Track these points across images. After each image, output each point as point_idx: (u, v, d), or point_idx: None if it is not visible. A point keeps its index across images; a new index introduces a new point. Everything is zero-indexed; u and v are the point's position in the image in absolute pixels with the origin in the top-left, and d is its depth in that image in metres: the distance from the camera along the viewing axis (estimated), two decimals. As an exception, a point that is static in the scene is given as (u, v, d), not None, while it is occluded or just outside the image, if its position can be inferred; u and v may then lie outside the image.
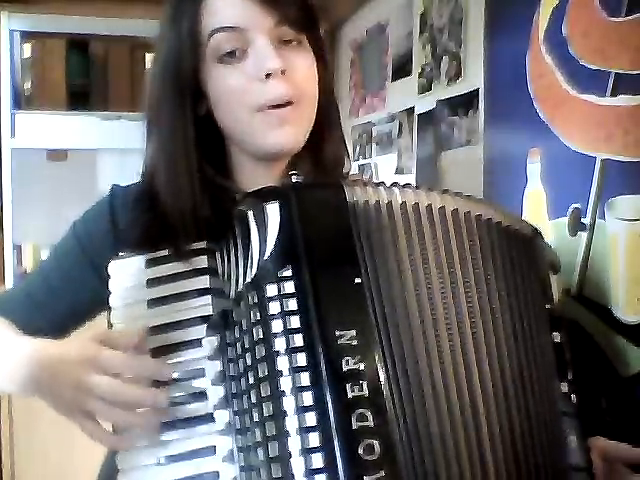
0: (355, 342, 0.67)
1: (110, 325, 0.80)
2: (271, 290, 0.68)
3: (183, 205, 0.86)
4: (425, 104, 1.81)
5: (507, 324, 0.76)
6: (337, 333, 0.67)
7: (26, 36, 2.82)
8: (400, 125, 2.00)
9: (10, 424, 2.54)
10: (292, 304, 0.68)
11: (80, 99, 3.02)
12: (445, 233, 0.75)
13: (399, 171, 2.00)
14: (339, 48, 2.61)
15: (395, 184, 0.76)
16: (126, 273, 0.82)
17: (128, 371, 0.72)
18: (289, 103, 0.84)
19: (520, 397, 0.74)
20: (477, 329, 0.74)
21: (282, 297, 0.68)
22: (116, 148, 2.75)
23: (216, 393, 0.75)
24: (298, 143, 0.88)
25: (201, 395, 0.75)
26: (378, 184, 0.76)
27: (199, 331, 0.77)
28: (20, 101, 2.74)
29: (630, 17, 1.02)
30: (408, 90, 1.92)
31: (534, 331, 0.78)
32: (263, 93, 0.84)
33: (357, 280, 0.69)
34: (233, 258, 0.77)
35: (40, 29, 2.84)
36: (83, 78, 3.06)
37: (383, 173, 2.14)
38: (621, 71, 1.03)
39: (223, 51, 0.84)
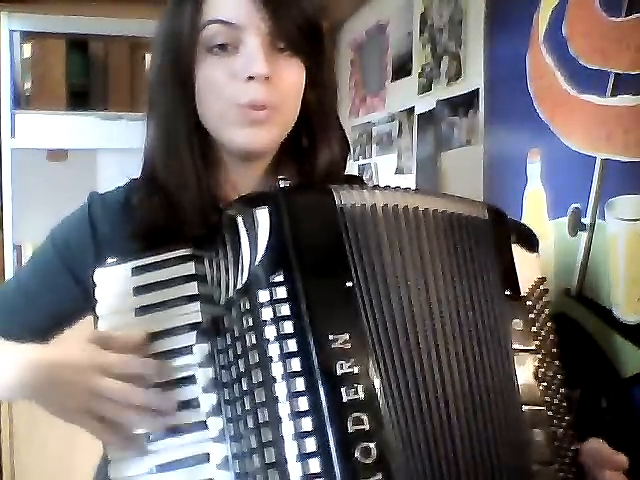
0: (349, 345, 0.67)
1: None
2: (263, 296, 0.68)
3: (189, 192, 0.86)
4: (425, 104, 1.81)
5: (457, 317, 0.75)
6: (330, 337, 0.67)
7: (26, 36, 2.82)
8: (400, 125, 2.00)
9: (10, 424, 2.55)
10: (285, 309, 0.68)
11: (80, 99, 3.02)
12: (419, 233, 0.76)
13: (399, 171, 2.00)
14: (339, 48, 2.61)
15: (376, 187, 0.77)
16: (112, 281, 0.81)
17: (135, 373, 0.72)
18: (265, 107, 0.84)
19: (484, 391, 0.74)
20: (454, 325, 0.74)
21: (274, 302, 0.68)
22: (116, 148, 2.75)
23: (208, 400, 0.74)
24: (267, 146, 0.88)
25: (193, 402, 0.74)
26: (362, 187, 0.76)
27: (189, 338, 0.76)
28: (20, 101, 2.74)
29: (630, 17, 1.02)
30: (408, 90, 1.92)
31: (488, 321, 0.77)
32: (242, 93, 0.84)
33: (348, 284, 0.70)
34: (222, 264, 0.76)
35: (40, 29, 2.84)
36: (83, 78, 3.06)
37: (383, 173, 2.14)
38: (621, 71, 1.03)
39: (215, 43, 0.84)
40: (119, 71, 3.08)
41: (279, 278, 0.68)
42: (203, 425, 0.74)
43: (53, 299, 0.93)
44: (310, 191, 0.79)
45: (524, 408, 0.76)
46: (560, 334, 0.85)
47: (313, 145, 0.92)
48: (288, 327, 0.67)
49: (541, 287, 0.84)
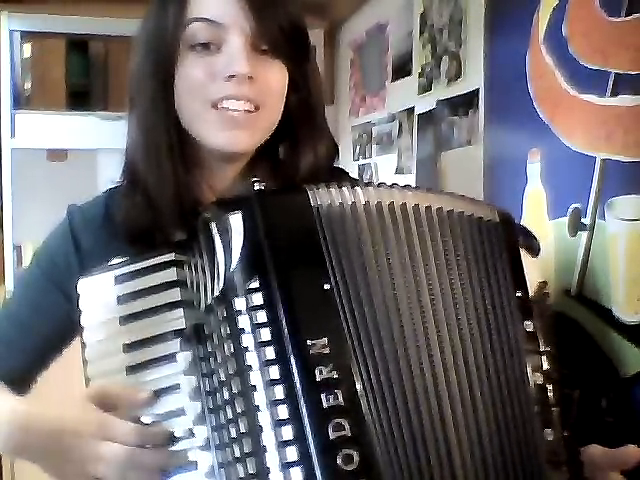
0: (327, 350, 0.65)
1: (84, 345, 0.79)
2: (239, 303, 0.67)
3: (166, 190, 0.85)
4: (425, 104, 1.81)
5: (472, 316, 0.74)
6: (309, 342, 0.65)
7: (26, 36, 2.81)
8: (400, 125, 2.00)
9: (10, 424, 2.54)
10: (261, 316, 0.66)
11: (80, 99, 3.02)
12: (407, 230, 0.73)
13: (399, 171, 2.00)
14: (339, 48, 2.61)
15: (358, 183, 0.75)
16: (96, 290, 0.80)
17: (137, 438, 0.71)
18: (246, 111, 0.84)
19: (494, 391, 0.73)
20: (441, 325, 0.72)
21: (251, 310, 0.66)
22: (116, 148, 2.73)
23: (194, 408, 0.74)
24: (247, 148, 0.87)
25: (180, 411, 0.74)
26: (341, 185, 0.74)
27: (173, 345, 0.76)
28: (20, 101, 2.74)
29: (630, 17, 1.02)
30: (408, 90, 1.92)
31: (503, 320, 0.76)
32: (222, 90, 0.83)
33: (326, 286, 0.68)
34: (200, 269, 0.75)
35: (40, 29, 2.83)
36: (83, 78, 3.05)
37: (383, 173, 2.14)
38: (621, 71, 1.03)
39: (197, 41, 0.84)
40: (119, 71, 3.08)
41: (254, 284, 0.67)
42: (190, 433, 0.73)
43: (46, 321, 0.92)
44: (285, 193, 0.77)
45: (536, 408, 0.75)
46: (560, 334, 0.85)
47: (296, 149, 0.91)
48: (265, 334, 0.66)
49: (543, 290, 0.84)
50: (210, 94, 0.83)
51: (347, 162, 2.42)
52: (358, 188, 0.74)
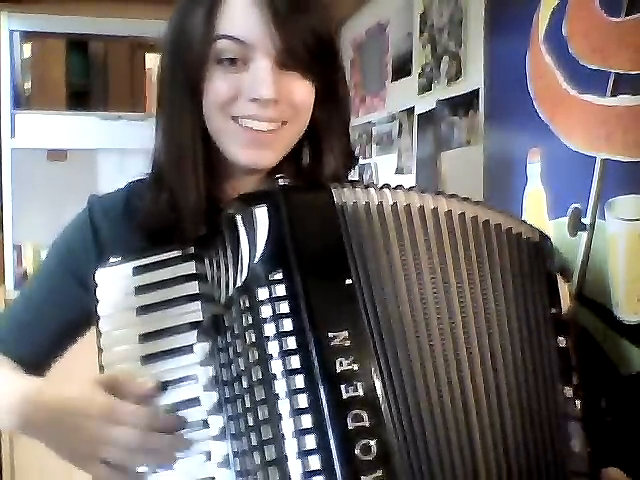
0: (348, 343, 0.67)
1: (99, 333, 0.80)
2: (262, 294, 0.68)
3: (189, 197, 0.85)
4: (425, 104, 1.81)
5: (503, 325, 0.76)
6: (330, 334, 0.67)
7: (26, 36, 2.82)
8: (400, 125, 2.00)
9: (10, 424, 2.54)
10: (284, 307, 0.67)
11: (80, 99, 3.02)
12: (438, 234, 0.75)
13: (399, 171, 2.00)
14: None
15: (386, 185, 0.76)
16: (114, 281, 0.81)
17: (147, 424, 0.72)
18: (271, 131, 0.84)
19: (524, 400, 0.74)
20: (471, 328, 0.74)
21: (274, 300, 0.68)
22: (116, 148, 2.75)
23: (209, 399, 0.74)
24: (272, 164, 0.87)
25: (194, 401, 0.75)
26: (368, 186, 0.76)
27: (190, 337, 0.76)
28: (20, 101, 2.74)
29: (630, 17, 1.02)
30: (408, 90, 1.92)
31: (538, 334, 0.78)
32: (245, 109, 0.83)
33: (348, 281, 0.69)
34: (222, 263, 0.76)
35: (40, 29, 2.84)
36: (83, 78, 3.06)
37: (383, 173, 2.14)
38: (621, 71, 1.03)
39: (225, 56, 0.83)
40: (119, 71, 3.08)
41: (278, 276, 0.68)
42: (204, 423, 0.74)
43: (62, 308, 0.92)
44: (309, 189, 0.78)
45: (564, 420, 0.77)
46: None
47: (319, 157, 0.91)
48: (287, 325, 0.67)
49: (575, 310, 0.85)
50: (233, 111, 0.84)
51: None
52: (386, 189, 0.75)
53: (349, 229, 0.72)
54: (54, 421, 0.76)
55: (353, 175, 1.00)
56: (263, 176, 0.92)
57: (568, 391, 0.78)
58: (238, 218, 0.72)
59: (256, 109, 0.83)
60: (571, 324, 0.82)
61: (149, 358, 0.77)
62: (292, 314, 0.67)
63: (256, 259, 0.70)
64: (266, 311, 0.68)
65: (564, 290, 0.83)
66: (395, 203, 0.74)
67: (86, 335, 0.93)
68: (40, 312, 0.93)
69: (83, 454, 0.74)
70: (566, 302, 0.83)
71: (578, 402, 0.78)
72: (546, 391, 0.77)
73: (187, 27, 0.85)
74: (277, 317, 0.67)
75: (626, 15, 1.03)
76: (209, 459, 0.73)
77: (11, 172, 2.66)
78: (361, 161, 2.32)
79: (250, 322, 0.69)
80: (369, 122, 2.26)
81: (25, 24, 2.74)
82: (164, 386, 0.76)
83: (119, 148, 2.71)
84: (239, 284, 0.71)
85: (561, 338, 0.79)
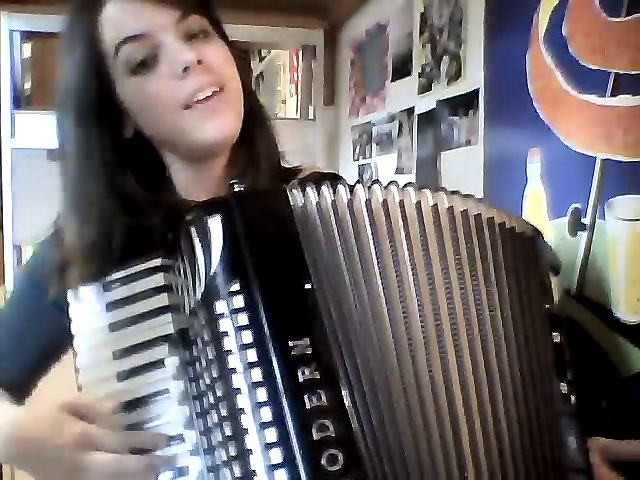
0: (310, 350, 0.65)
1: (75, 353, 0.79)
2: (220, 307, 0.66)
3: (91, 234, 0.83)
4: (425, 104, 1.81)
5: (507, 321, 0.75)
6: (290, 343, 0.64)
7: (26, 36, 2.81)
8: (400, 125, 2.00)
9: (10, 424, 2.54)
10: (242, 319, 0.66)
11: (80, 99, 3.01)
12: (407, 229, 0.72)
13: (399, 171, 2.00)
14: (339, 48, 2.61)
15: (335, 183, 0.73)
16: (85, 299, 0.81)
17: (119, 446, 0.72)
18: (214, 93, 0.83)
19: (520, 397, 0.73)
20: (459, 328, 0.72)
21: (232, 313, 0.66)
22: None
23: (182, 413, 0.74)
24: (233, 131, 0.86)
25: (169, 416, 0.75)
26: (318, 185, 0.73)
27: (162, 351, 0.76)
28: (20, 101, 2.73)
29: (630, 17, 1.02)
30: (408, 90, 1.91)
31: (533, 330, 0.77)
32: (185, 89, 0.82)
33: (307, 286, 0.67)
34: (183, 274, 0.75)
35: (40, 29, 2.83)
36: (83, 78, 3.05)
37: (383, 173, 2.14)
38: (621, 71, 1.03)
39: (134, 62, 0.82)
40: (119, 71, 3.08)
41: (235, 287, 0.66)
42: (181, 438, 0.74)
43: (40, 332, 0.92)
44: (264, 194, 0.76)
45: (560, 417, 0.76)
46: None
47: (250, 128, 0.90)
48: (247, 337, 0.65)
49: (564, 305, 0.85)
50: (175, 99, 0.83)
51: (347, 162, 2.42)
52: (340, 186, 0.72)
53: (306, 232, 0.69)
54: (33, 455, 0.76)
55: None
56: (218, 174, 0.91)
57: (563, 387, 0.77)
58: (192, 229, 0.71)
59: (191, 82, 0.82)
60: (563, 319, 0.82)
61: (125, 374, 0.77)
62: (251, 326, 0.65)
63: (212, 271, 0.68)
64: (225, 324, 0.66)
65: (554, 284, 0.83)
66: (350, 200, 0.71)
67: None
68: (18, 338, 0.92)
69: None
70: (557, 296, 0.83)
71: (573, 398, 0.77)
72: (542, 387, 0.76)
73: (75, 61, 0.86)
74: (237, 330, 0.66)
75: (626, 15, 1.03)
76: (187, 474, 0.73)
77: (11, 172, 2.65)
78: (361, 161, 2.32)
79: (211, 336, 0.68)
80: (369, 122, 2.25)
81: (25, 24, 2.73)
82: (139, 402, 0.75)
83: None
84: (198, 297, 0.70)
85: (555, 333, 0.79)
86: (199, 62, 0.82)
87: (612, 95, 1.05)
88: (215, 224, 0.68)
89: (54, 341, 0.91)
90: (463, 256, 0.74)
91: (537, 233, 0.84)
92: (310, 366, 0.64)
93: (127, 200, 0.85)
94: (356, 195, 0.72)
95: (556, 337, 0.79)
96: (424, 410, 0.68)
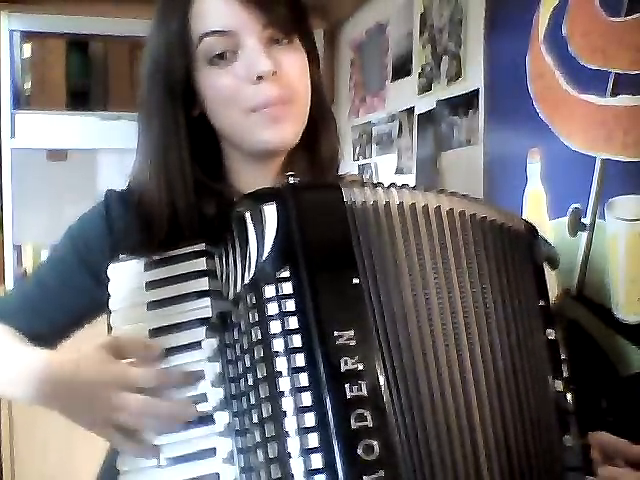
0: (353, 342, 0.67)
1: (110, 328, 0.81)
2: (269, 291, 0.68)
3: (176, 206, 0.86)
4: (425, 104, 1.81)
5: (500, 321, 0.76)
6: (335, 333, 0.67)
7: (26, 36, 2.81)
8: (400, 125, 2.00)
9: (10, 424, 2.54)
10: (290, 305, 0.68)
11: (80, 99, 3.02)
12: (441, 233, 0.75)
13: (399, 171, 2.00)
14: (339, 48, 2.61)
15: (393, 184, 0.77)
16: (125, 276, 0.82)
17: (155, 386, 0.73)
18: (282, 102, 0.85)
19: (513, 396, 0.74)
20: (471, 327, 0.74)
21: (280, 298, 0.68)
22: (116, 148, 2.74)
23: (216, 395, 0.75)
24: (292, 140, 0.89)
25: (201, 397, 0.75)
26: (376, 185, 0.76)
27: (199, 333, 0.77)
28: (20, 101, 2.74)
29: (630, 17, 1.02)
30: (408, 90, 1.92)
31: (527, 328, 0.78)
32: (255, 95, 0.85)
33: (355, 280, 0.69)
34: (231, 260, 0.76)
35: (40, 29, 2.83)
36: (83, 78, 3.05)
37: (383, 173, 2.14)
38: (621, 71, 1.03)
39: (213, 53, 0.85)
40: (119, 71, 3.08)
41: (285, 274, 0.68)
42: (210, 419, 0.75)
43: (72, 296, 0.93)
44: (318, 187, 0.79)
45: (556, 415, 0.77)
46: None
47: (315, 133, 0.94)
48: (293, 322, 0.67)
49: (563, 300, 0.85)
50: (245, 102, 0.85)
51: (347, 162, 2.43)
52: (393, 189, 0.76)
53: (357, 228, 0.72)
54: (71, 392, 0.77)
55: (350, 171, 1.01)
56: (275, 173, 0.93)
57: (559, 384, 0.77)
58: (247, 215, 0.73)
59: (263, 91, 0.84)
60: (559, 315, 0.82)
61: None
62: (298, 312, 0.67)
63: (264, 257, 0.70)
64: (272, 308, 0.68)
65: (550, 280, 0.83)
66: (401, 202, 0.75)
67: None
68: (51, 299, 0.93)
69: (98, 421, 0.75)
70: (553, 292, 0.83)
71: (569, 395, 0.78)
72: (538, 386, 0.76)
73: (164, 39, 0.87)
74: (283, 315, 0.68)
75: (626, 15, 1.03)
76: (214, 455, 0.74)
77: (11, 172, 2.65)
78: (361, 161, 2.32)
79: (256, 319, 0.69)
80: (369, 122, 2.26)
81: (25, 24, 2.74)
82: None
83: (119, 148, 2.69)
84: (247, 281, 0.71)
85: (550, 330, 0.79)
86: (273, 73, 0.84)
87: (612, 95, 1.05)
88: (270, 211, 0.71)
89: (84, 305, 0.92)
90: (452, 255, 0.76)
91: (531, 229, 0.84)
92: (353, 357, 0.66)
93: (196, 182, 0.88)
94: (396, 196, 0.75)
95: (550, 334, 0.79)
96: (445, 402, 0.70)
